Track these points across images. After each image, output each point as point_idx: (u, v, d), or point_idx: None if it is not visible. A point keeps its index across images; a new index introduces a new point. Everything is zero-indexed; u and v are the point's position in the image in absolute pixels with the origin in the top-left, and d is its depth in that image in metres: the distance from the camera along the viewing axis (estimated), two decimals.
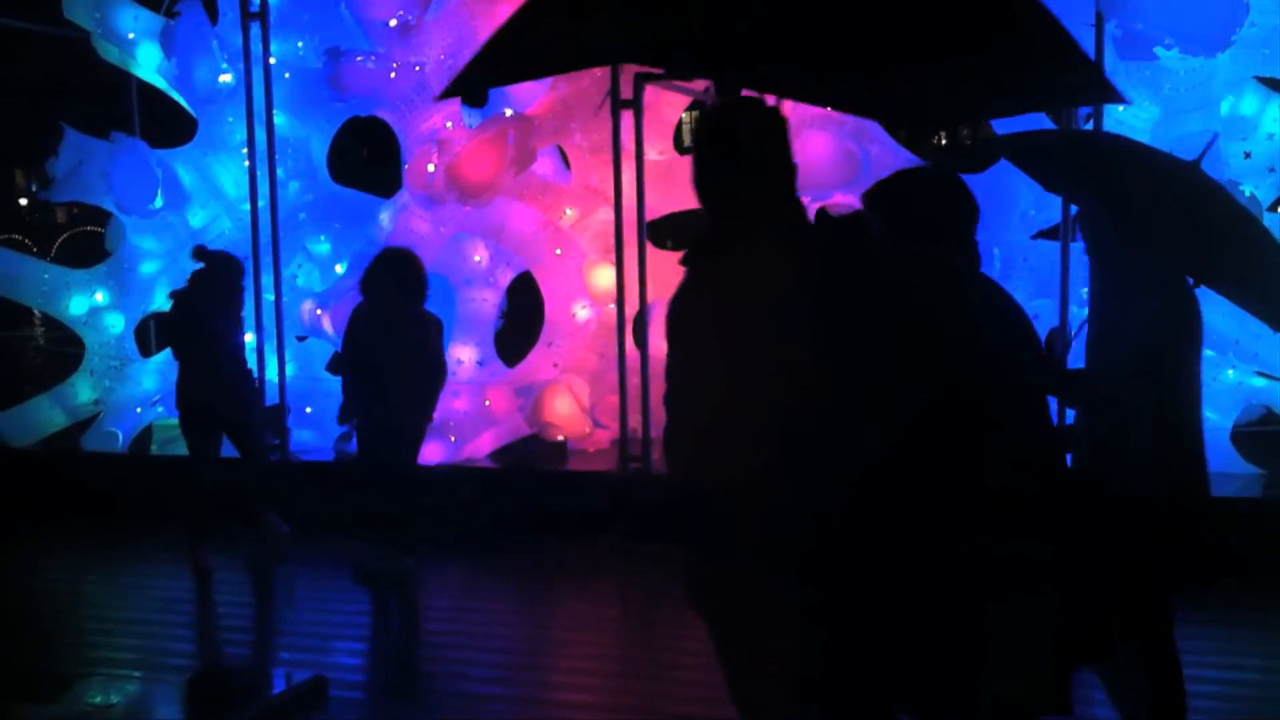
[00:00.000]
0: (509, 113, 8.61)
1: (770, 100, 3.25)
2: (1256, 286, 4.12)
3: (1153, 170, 4.12)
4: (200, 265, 7.38)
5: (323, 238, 9.59)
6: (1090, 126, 7.45)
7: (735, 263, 2.87)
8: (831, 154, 7.90)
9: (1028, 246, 8.09)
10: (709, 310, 2.86)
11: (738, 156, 2.94)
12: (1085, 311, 7.25)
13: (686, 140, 12.75)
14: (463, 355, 8.84)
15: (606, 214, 8.48)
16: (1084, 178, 4.08)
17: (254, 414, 7.68)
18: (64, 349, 10.90)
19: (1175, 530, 3.89)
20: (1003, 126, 7.56)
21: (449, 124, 8.81)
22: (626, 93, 7.89)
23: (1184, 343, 3.97)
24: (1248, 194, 7.07)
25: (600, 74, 8.14)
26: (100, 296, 9.81)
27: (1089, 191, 4.04)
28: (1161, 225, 3.88)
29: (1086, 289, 7.14)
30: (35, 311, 13.96)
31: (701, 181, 2.97)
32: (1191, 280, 3.97)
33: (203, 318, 7.30)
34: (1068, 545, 3.10)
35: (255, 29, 8.82)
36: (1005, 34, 3.18)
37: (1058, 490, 3.10)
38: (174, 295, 7.52)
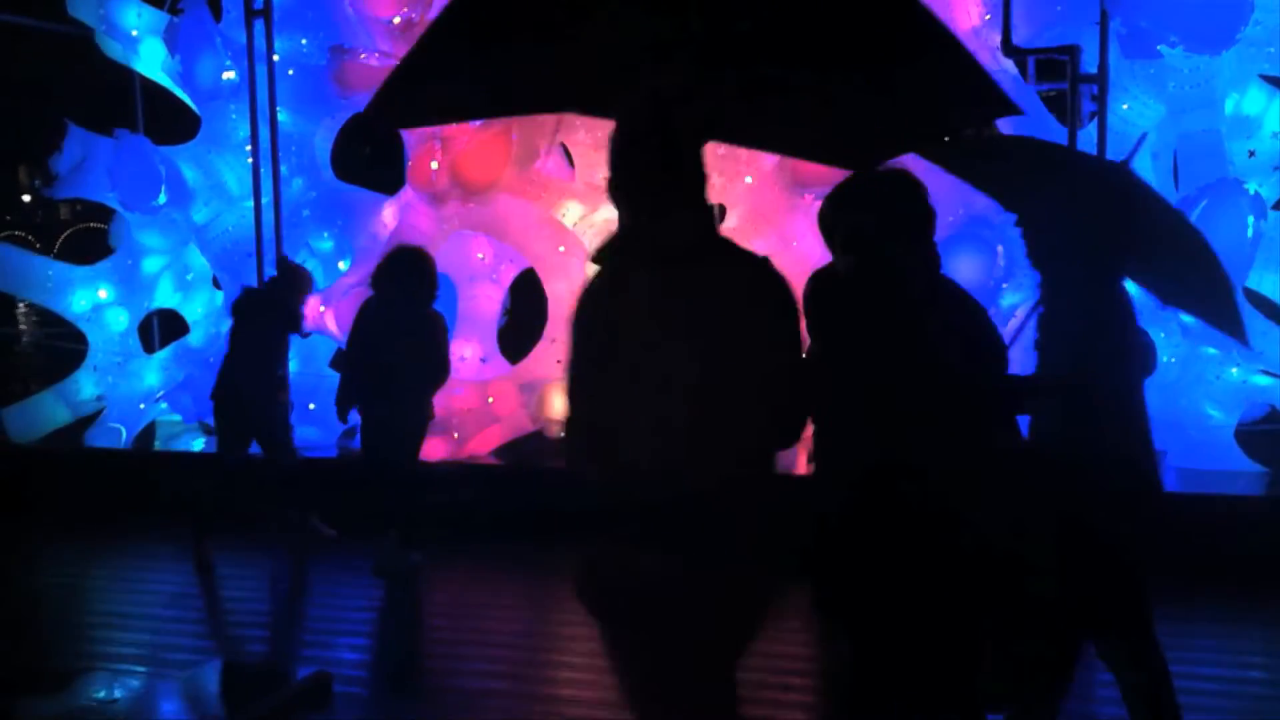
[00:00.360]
0: None
1: None
2: (1193, 289, 4.10)
3: (1085, 175, 4.08)
4: (278, 274, 7.68)
5: (326, 234, 9.59)
6: (1094, 125, 7.45)
7: (682, 256, 2.89)
8: None
9: None
10: (650, 303, 2.86)
11: (695, 153, 2.97)
12: None
13: None
14: (466, 352, 8.83)
15: (610, 211, 8.46)
16: (1026, 186, 4.04)
17: (281, 416, 7.67)
18: (67, 345, 10.90)
19: (1143, 527, 3.89)
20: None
21: None
22: None
23: (1131, 349, 3.96)
24: (1252, 192, 7.07)
25: None
26: (104, 293, 9.82)
27: (1032, 201, 4.01)
28: (1096, 231, 3.84)
29: None
30: (20, 306, 13.94)
31: (669, 176, 2.95)
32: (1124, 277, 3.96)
33: (262, 322, 7.47)
34: (1035, 542, 3.11)
35: (259, 26, 8.83)
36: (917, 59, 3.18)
37: (1008, 496, 3.09)
38: (247, 291, 7.73)
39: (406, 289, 6.83)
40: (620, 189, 3.00)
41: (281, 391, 7.59)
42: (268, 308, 7.53)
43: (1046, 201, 3.88)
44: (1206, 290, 4.09)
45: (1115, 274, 3.90)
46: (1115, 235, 3.84)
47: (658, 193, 2.93)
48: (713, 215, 3.02)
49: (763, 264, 2.95)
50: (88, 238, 24.48)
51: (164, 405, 9.70)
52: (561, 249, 8.84)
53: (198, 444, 9.39)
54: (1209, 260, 4.03)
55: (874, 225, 3.25)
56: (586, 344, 2.94)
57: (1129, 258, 3.91)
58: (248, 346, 7.46)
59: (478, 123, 8.67)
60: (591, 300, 2.98)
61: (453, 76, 3.18)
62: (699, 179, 2.95)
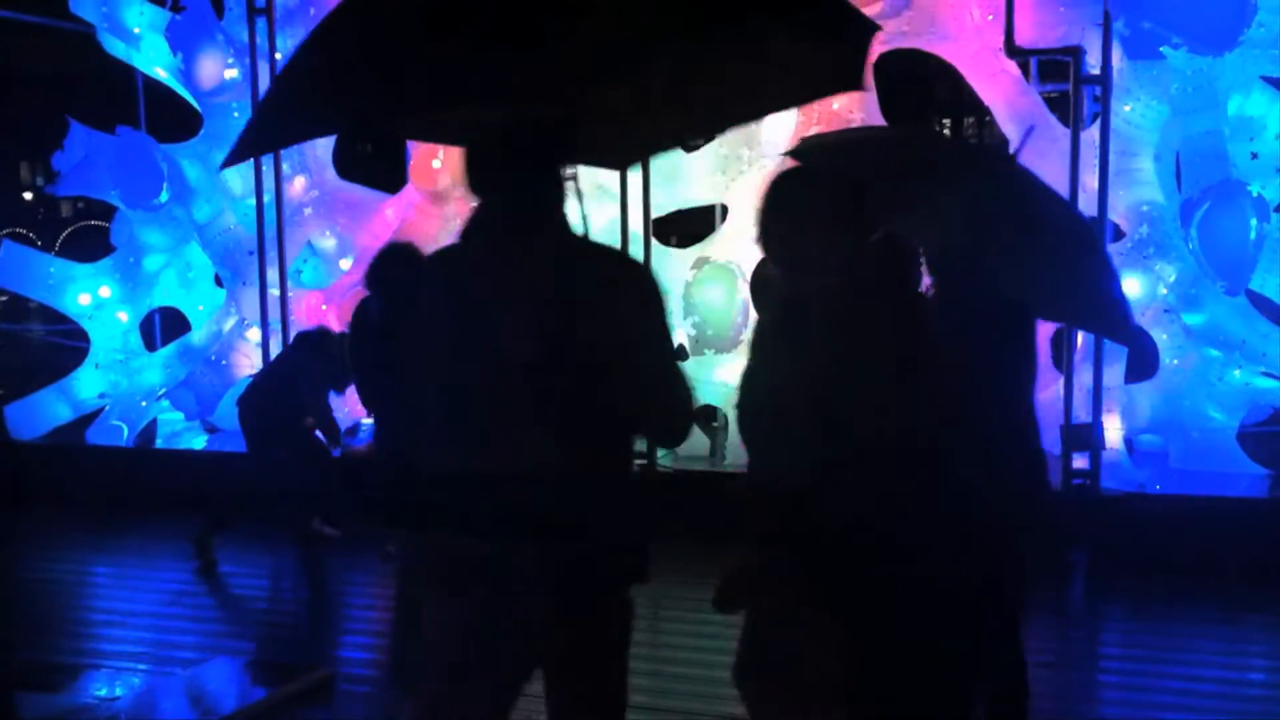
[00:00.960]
0: None
1: None
2: (1080, 294, 3.91)
3: (974, 174, 3.91)
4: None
5: (328, 233, 9.59)
6: (1096, 125, 7.44)
7: (526, 247, 2.82)
8: None
9: None
10: (482, 291, 2.79)
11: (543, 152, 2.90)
12: None
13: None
14: None
15: (614, 208, 8.45)
16: (915, 187, 3.78)
17: (308, 430, 7.64)
18: (70, 342, 10.91)
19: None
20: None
21: None
22: None
23: (1022, 360, 3.88)
24: (1255, 194, 7.07)
25: None
26: (106, 291, 9.82)
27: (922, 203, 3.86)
28: (984, 233, 3.66)
29: None
30: None
31: (538, 161, 2.88)
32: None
33: (320, 362, 7.45)
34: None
35: (261, 24, 8.82)
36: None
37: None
38: (321, 331, 7.72)
39: (400, 286, 6.83)
40: (472, 182, 2.93)
41: (312, 416, 7.55)
42: (330, 355, 7.50)
43: (935, 203, 3.70)
44: (1093, 294, 3.94)
45: (1004, 279, 3.71)
46: (1002, 237, 3.67)
47: (506, 187, 2.87)
48: (562, 214, 2.90)
49: (618, 258, 2.92)
50: (90, 236, 24.48)
51: (166, 403, 9.70)
52: None
53: (199, 442, 9.39)
54: (1099, 262, 3.94)
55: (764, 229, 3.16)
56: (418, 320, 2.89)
57: (1014, 262, 3.72)
58: (294, 376, 7.43)
59: None
60: (430, 275, 2.95)
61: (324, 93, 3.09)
62: (548, 177, 2.87)
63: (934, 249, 3.85)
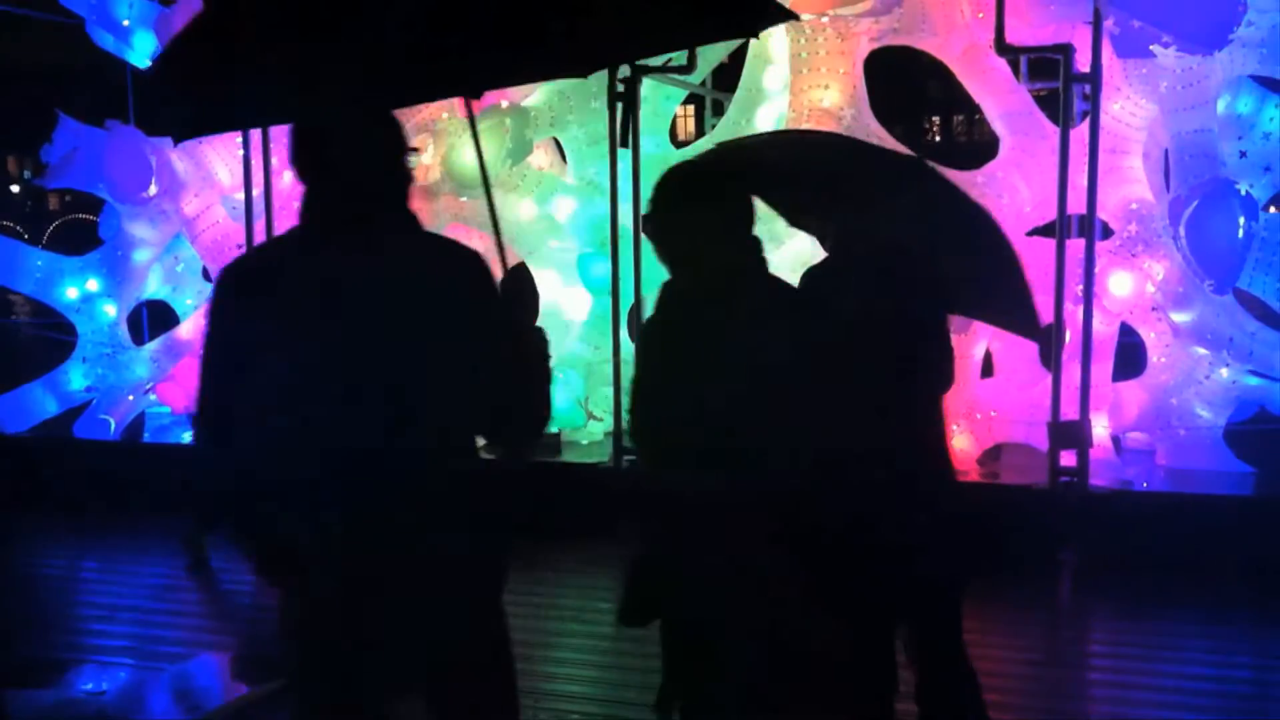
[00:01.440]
0: (505, 104, 8.59)
1: None
2: (986, 289, 3.95)
3: (879, 173, 3.90)
4: None
5: None
6: (1085, 123, 7.45)
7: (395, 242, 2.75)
8: None
9: (1022, 244, 8.08)
10: (313, 285, 2.68)
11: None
12: (1080, 310, 7.24)
13: (681, 134, 12.72)
14: None
15: (604, 204, 8.46)
16: (820, 186, 3.82)
17: None
18: (57, 336, 10.87)
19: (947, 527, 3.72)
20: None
21: (445, 115, 8.78)
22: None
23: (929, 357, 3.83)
24: (1243, 193, 7.09)
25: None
26: (93, 284, 9.79)
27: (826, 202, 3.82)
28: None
29: (1081, 286, 7.18)
30: None
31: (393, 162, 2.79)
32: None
33: None
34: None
35: None
36: None
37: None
38: None
39: None
40: (301, 166, 2.80)
41: None
42: None
43: (841, 202, 3.71)
44: (999, 290, 3.97)
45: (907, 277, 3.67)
46: (907, 236, 3.67)
47: (340, 175, 2.75)
48: (403, 204, 2.81)
49: (457, 250, 2.80)
50: (78, 228, 24.40)
51: (153, 397, 9.67)
52: (554, 244, 8.82)
53: (187, 436, 9.36)
54: (1005, 257, 3.92)
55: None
56: (240, 316, 2.75)
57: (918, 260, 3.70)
58: None
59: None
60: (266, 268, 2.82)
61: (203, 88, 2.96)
62: (388, 165, 2.78)
63: (835, 247, 3.82)
